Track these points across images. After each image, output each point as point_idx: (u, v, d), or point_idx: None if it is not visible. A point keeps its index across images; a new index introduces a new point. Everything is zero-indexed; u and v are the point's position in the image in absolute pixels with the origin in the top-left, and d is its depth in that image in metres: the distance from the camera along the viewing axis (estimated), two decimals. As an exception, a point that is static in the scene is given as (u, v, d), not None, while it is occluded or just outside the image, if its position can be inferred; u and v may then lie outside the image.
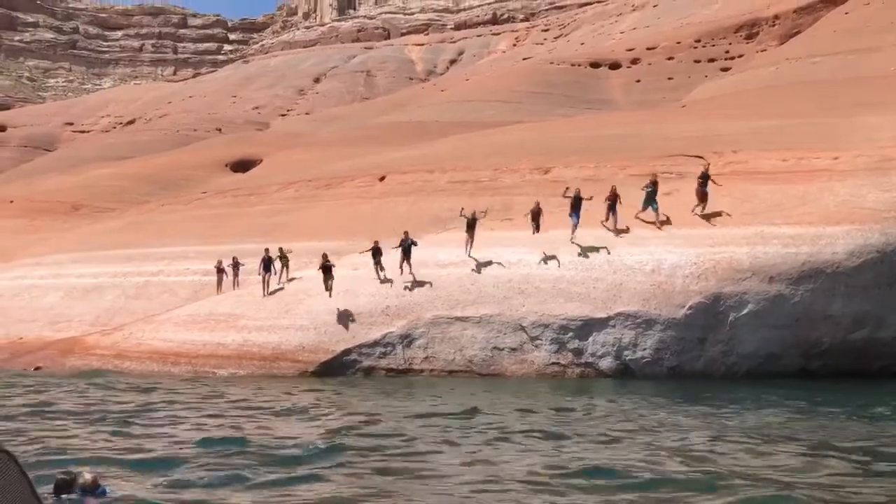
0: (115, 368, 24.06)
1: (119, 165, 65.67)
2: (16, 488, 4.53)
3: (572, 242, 23.07)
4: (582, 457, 11.86)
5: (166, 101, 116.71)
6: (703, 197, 23.06)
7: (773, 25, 71.31)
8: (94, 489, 8.61)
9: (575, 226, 23.11)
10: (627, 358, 21.46)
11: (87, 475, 8.62)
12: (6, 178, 75.94)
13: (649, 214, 23.31)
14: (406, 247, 23.43)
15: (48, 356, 26.15)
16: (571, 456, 11.99)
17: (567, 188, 24.00)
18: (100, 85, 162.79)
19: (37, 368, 25.19)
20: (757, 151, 27.34)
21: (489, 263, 23.59)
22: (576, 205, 23.23)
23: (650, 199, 23.08)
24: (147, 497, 9.83)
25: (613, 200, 23.23)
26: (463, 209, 24.51)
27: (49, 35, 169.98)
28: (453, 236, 27.02)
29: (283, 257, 26.33)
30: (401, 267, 23.56)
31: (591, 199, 23.21)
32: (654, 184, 23.18)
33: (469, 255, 23.78)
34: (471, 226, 23.81)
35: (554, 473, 10.91)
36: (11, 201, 54.91)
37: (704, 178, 23.15)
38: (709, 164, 23.74)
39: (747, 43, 71.30)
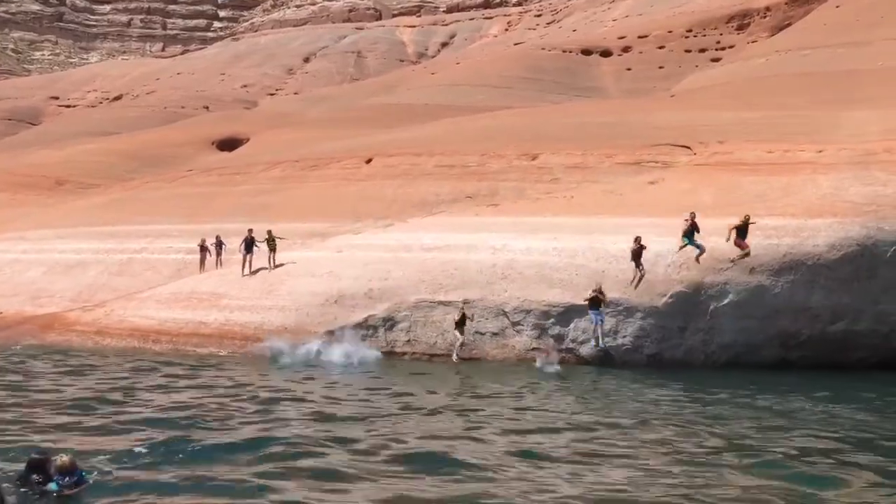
0: (96, 345, 23.96)
1: (105, 141, 65.00)
2: None
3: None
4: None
5: (154, 77, 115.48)
6: (742, 246, 20.96)
7: (765, 17, 71.28)
8: (70, 472, 8.39)
9: (594, 326, 20.92)
10: (608, 345, 21.56)
11: (64, 457, 8.40)
12: (-10, 151, 75.01)
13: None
14: None
15: (28, 331, 26.00)
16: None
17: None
18: (86, 59, 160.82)
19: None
20: (743, 142, 27.46)
21: (474, 248, 23.60)
22: (594, 302, 20.80)
23: (688, 237, 21.20)
24: (125, 480, 9.68)
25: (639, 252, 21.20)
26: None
27: (35, 7, 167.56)
28: (438, 220, 27.05)
29: (272, 241, 25.59)
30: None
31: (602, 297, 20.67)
32: (693, 224, 21.10)
33: (456, 357, 21.73)
34: (461, 322, 21.62)
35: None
36: (-6, 174, 54.29)
37: (744, 229, 20.85)
38: (748, 216, 20.85)
39: (738, 34, 71.26)
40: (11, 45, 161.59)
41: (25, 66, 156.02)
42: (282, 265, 25.61)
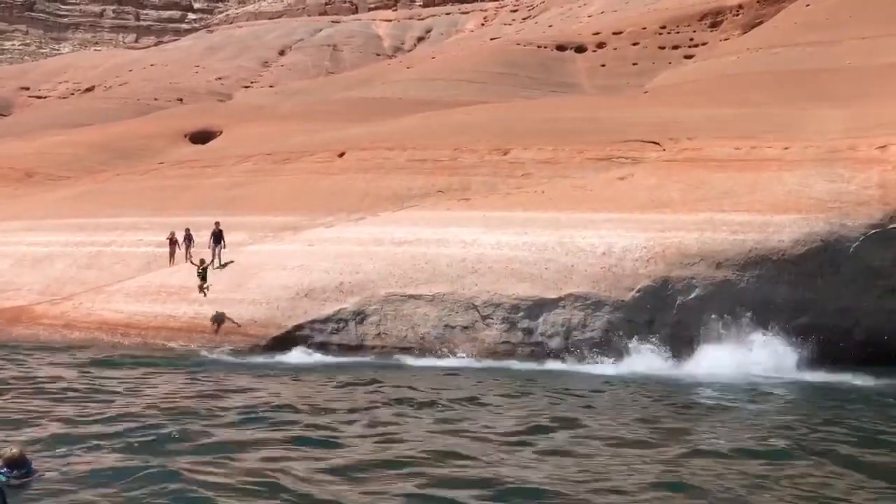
0: (63, 339, 23.77)
1: (76, 133, 64.12)
2: None
3: None
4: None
5: (127, 68, 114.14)
6: None
7: (737, 15, 72.07)
8: (20, 464, 8.24)
9: None
10: (576, 338, 21.76)
11: (13, 448, 8.28)
12: (-43, 142, 73.67)
13: None
14: None
15: (-6, 324, 25.73)
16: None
17: None
18: (58, 50, 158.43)
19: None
20: (711, 139, 27.77)
21: (444, 242, 23.69)
22: None
23: None
24: (75, 475, 9.57)
25: None
26: None
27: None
28: (410, 214, 27.09)
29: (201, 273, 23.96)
30: None
31: None
32: None
33: None
34: None
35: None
36: (-38, 166, 53.35)
37: None
38: None
39: (711, 31, 72.04)
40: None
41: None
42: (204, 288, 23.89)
